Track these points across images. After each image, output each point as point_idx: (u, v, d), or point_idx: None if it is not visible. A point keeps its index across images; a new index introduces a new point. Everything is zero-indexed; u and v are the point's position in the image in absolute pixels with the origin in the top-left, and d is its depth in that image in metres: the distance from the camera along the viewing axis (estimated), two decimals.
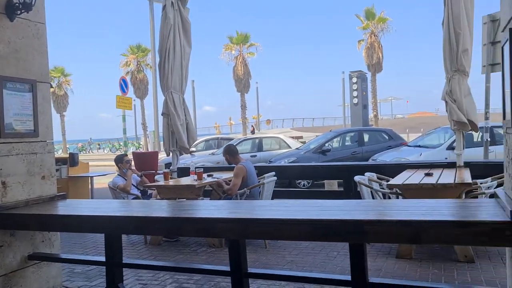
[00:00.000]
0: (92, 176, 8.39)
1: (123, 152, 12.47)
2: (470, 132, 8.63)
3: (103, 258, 3.23)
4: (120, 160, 5.86)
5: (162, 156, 13.51)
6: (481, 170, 5.42)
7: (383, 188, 4.85)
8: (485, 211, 2.33)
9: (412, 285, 2.64)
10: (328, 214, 2.47)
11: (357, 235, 2.25)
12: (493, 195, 2.64)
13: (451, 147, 8.46)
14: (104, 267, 3.26)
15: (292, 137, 17.11)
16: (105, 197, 7.70)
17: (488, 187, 4.57)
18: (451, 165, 5.55)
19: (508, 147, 2.36)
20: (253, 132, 28.73)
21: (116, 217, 2.79)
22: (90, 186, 8.43)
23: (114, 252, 3.14)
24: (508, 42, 2.13)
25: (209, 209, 2.98)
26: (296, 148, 12.08)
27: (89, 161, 10.47)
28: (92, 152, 39.64)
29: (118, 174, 5.85)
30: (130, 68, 34.44)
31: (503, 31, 2.37)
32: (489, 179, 4.82)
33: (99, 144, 42.94)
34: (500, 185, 4.27)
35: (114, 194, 5.64)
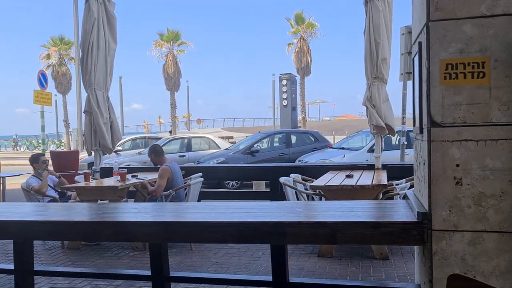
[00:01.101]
0: (4, 177, 7.78)
1: (40, 151, 11.70)
2: (388, 136, 9.19)
3: (12, 266, 3.00)
4: (35, 160, 5.48)
5: (84, 155, 12.89)
6: (397, 171, 5.77)
7: (307, 189, 5.00)
8: (397, 212, 2.48)
9: (329, 284, 2.74)
10: (251, 216, 2.49)
11: (277, 237, 2.29)
12: (406, 196, 2.81)
13: (371, 150, 8.93)
14: (13, 275, 3.04)
15: (223, 137, 17.12)
16: (18, 200, 7.18)
17: (403, 188, 4.87)
18: (371, 167, 5.86)
19: (417, 151, 2.53)
20: (171, 132, 28.30)
21: (26, 222, 2.59)
22: (1, 188, 7.80)
23: (24, 259, 2.93)
24: (417, 54, 2.28)
25: (130, 211, 2.88)
26: (225, 149, 12.10)
27: (0, 160, 9.70)
28: (6, 150, 36.77)
29: (32, 175, 5.47)
30: (52, 61, 32.47)
31: (413, 43, 2.53)
32: (404, 180, 5.15)
33: (14, 142, 39.92)
34: (412, 186, 4.58)
35: (28, 197, 5.26)
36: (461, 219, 2.06)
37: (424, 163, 2.24)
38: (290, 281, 2.68)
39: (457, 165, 2.06)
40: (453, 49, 2.04)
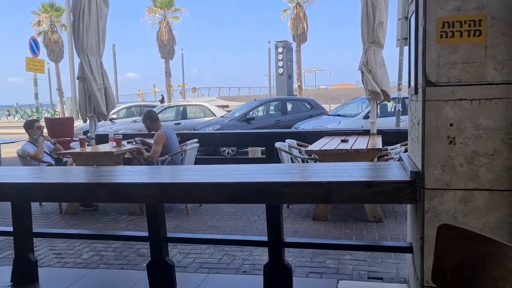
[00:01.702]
0: None
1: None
2: (384, 102, 9.16)
3: (10, 229, 3.04)
4: (30, 126, 5.46)
5: (79, 123, 12.83)
6: (392, 137, 5.80)
7: (302, 154, 5.03)
8: (390, 172, 2.51)
9: (322, 243, 2.80)
10: (247, 177, 2.51)
11: (273, 197, 2.32)
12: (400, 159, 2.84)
13: (367, 116, 8.92)
14: (12, 238, 3.09)
15: (218, 106, 17.03)
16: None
17: (397, 153, 4.91)
18: (366, 132, 5.88)
19: (412, 113, 2.54)
20: (162, 101, 28.00)
21: (24, 184, 2.61)
22: None
23: (22, 221, 2.97)
24: (414, 14, 2.26)
25: (126, 174, 2.90)
26: (221, 116, 12.07)
27: None
28: (7, 118, 36.51)
29: (28, 141, 5.45)
30: (43, 28, 31.81)
31: (410, 3, 2.50)
32: (398, 145, 5.18)
33: (8, 111, 39.56)
34: (407, 151, 4.63)
35: (24, 163, 5.27)
36: (453, 177, 2.10)
37: (418, 123, 2.26)
38: (285, 240, 2.74)
39: (451, 125, 2.07)
40: (450, 6, 2.02)
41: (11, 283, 3.00)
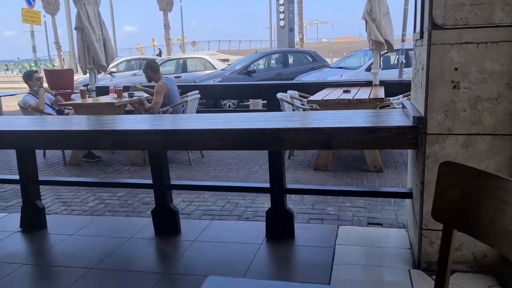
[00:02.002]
0: None
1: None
2: (387, 54, 9.01)
3: (17, 177, 3.09)
4: (29, 77, 5.41)
5: (79, 77, 12.71)
6: (395, 88, 5.75)
7: (303, 105, 5.02)
8: (392, 118, 2.51)
9: (323, 189, 2.85)
10: (249, 124, 2.52)
11: (275, 143, 2.33)
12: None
13: (369, 69, 8.82)
14: (19, 186, 3.15)
15: (218, 60, 16.79)
16: None
17: (399, 103, 4.89)
18: (368, 83, 5.83)
19: (416, 58, 2.51)
20: (159, 55, 27.56)
21: (28, 132, 2.62)
22: None
23: (28, 169, 3.01)
24: None
25: (128, 122, 2.90)
26: (222, 69, 11.93)
27: None
28: (5, 73, 36.14)
29: (28, 93, 5.43)
30: None
31: None
32: (401, 96, 5.15)
33: (6, 66, 39.08)
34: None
35: (25, 115, 5.27)
36: (456, 122, 2.10)
37: (422, 69, 2.23)
38: (287, 187, 2.79)
39: (456, 69, 2.05)
40: None
41: (20, 229, 3.08)
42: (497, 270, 2.19)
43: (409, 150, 2.76)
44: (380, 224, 3.07)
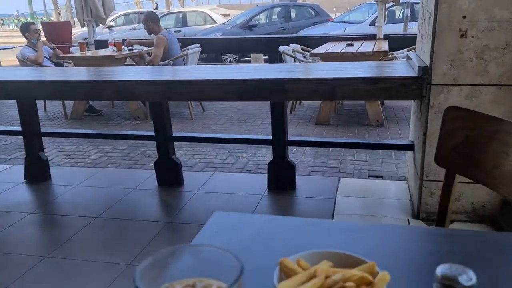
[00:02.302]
0: None
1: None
2: (392, 8, 8.77)
3: (20, 128, 3.09)
4: (26, 29, 5.29)
5: (77, 31, 12.46)
6: (399, 42, 5.63)
7: (306, 58, 4.94)
8: (396, 69, 2.48)
9: (325, 141, 2.85)
10: (252, 75, 2.49)
11: (277, 94, 2.32)
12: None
13: (373, 23, 8.61)
14: (22, 139, 3.16)
15: (219, 14, 16.38)
16: None
17: (404, 57, 4.81)
18: (372, 37, 5.71)
19: (423, 7, 2.44)
20: (156, 9, 26.74)
21: (29, 82, 2.60)
22: None
23: (30, 121, 3.01)
24: None
25: (129, 73, 2.87)
26: (222, 23, 11.67)
27: None
28: (1, 27, 35.39)
29: (26, 45, 5.33)
30: None
31: None
32: (405, 50, 5.05)
33: (2, 20, 38.23)
34: None
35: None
36: (462, 72, 2.07)
37: (429, 17, 2.17)
38: (288, 139, 2.79)
39: (464, 17, 1.99)
40: None
41: (25, 180, 3.12)
42: (495, 219, 2.23)
43: (412, 102, 2.75)
44: (381, 177, 3.10)
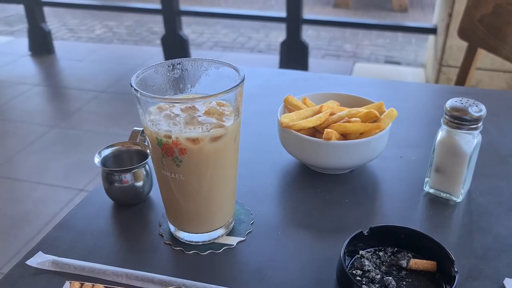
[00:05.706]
0: None
1: None
2: None
3: None
4: None
5: None
6: None
7: None
8: None
9: (342, 21, 2.66)
10: None
11: None
12: None
13: None
14: (23, 10, 2.99)
15: None
16: None
17: None
18: None
19: None
20: None
21: None
22: None
23: None
24: None
25: None
26: None
27: None
28: None
29: None
30: None
31: None
32: None
33: None
34: None
35: None
36: None
37: None
38: (303, 18, 2.61)
39: None
40: None
41: (29, 53, 3.03)
42: None
43: None
44: (398, 63, 2.96)
